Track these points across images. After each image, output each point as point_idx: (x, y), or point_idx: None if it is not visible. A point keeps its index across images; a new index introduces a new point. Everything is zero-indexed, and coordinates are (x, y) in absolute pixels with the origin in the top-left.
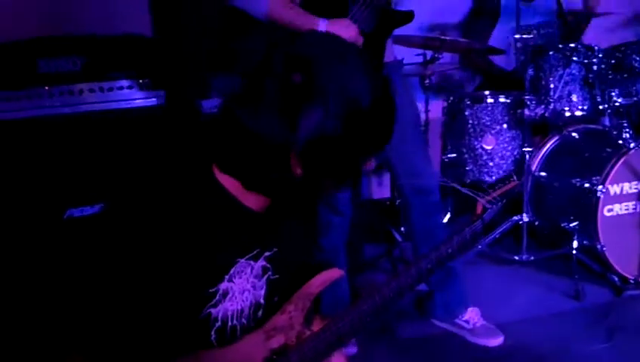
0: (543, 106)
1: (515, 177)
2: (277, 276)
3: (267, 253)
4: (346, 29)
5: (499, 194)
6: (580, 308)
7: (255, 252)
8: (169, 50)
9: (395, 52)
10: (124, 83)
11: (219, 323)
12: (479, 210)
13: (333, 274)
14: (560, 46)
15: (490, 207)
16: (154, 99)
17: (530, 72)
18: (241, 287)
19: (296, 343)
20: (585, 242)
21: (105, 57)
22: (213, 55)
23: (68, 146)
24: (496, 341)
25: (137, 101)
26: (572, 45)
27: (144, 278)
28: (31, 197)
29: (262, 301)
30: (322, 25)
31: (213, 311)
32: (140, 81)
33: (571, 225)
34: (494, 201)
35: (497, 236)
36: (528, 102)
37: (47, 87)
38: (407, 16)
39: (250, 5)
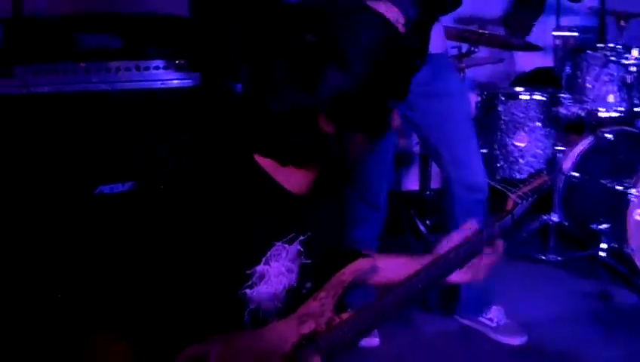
0: (578, 105)
1: (545, 173)
2: (309, 260)
3: (302, 237)
4: (388, 11)
5: (529, 190)
6: (606, 311)
7: (291, 236)
8: (206, 32)
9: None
10: (161, 63)
11: (253, 305)
12: (509, 205)
13: (366, 263)
14: (598, 45)
15: (521, 203)
16: (189, 80)
17: (568, 70)
18: (277, 271)
19: (325, 329)
20: (613, 245)
21: (142, 36)
22: (249, 38)
23: (101, 123)
24: (520, 339)
25: (173, 82)
26: (611, 45)
27: (181, 257)
28: (62, 172)
29: (295, 285)
30: None
31: (248, 292)
32: (177, 61)
33: (600, 227)
34: (524, 197)
35: (525, 235)
36: (564, 101)
37: (83, 63)
38: (454, 3)
39: None
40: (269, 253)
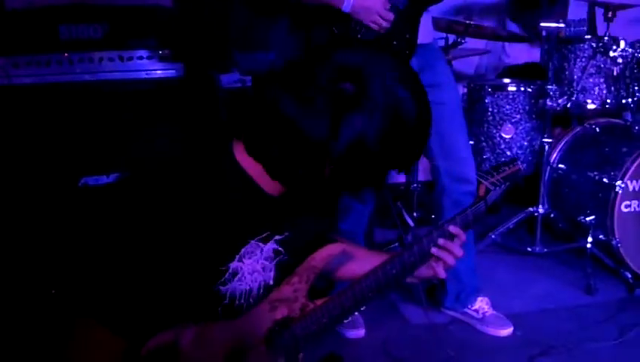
0: (565, 97)
1: (518, 162)
2: (289, 259)
3: (278, 237)
4: (373, 2)
5: (502, 177)
6: (592, 303)
7: (265, 234)
8: (189, 22)
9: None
10: (144, 53)
11: (226, 300)
12: (482, 191)
13: (336, 248)
14: (586, 37)
15: (493, 189)
16: (173, 70)
17: (555, 62)
18: (251, 268)
19: (300, 315)
20: (600, 237)
21: (126, 26)
22: (234, 30)
23: (85, 113)
24: (506, 331)
25: (156, 72)
26: (598, 37)
27: (155, 249)
28: (46, 163)
29: (271, 283)
30: None
31: (222, 288)
32: (160, 52)
33: (587, 219)
34: (497, 184)
35: (511, 227)
36: (551, 93)
37: (66, 54)
38: None
39: None
40: (242, 250)
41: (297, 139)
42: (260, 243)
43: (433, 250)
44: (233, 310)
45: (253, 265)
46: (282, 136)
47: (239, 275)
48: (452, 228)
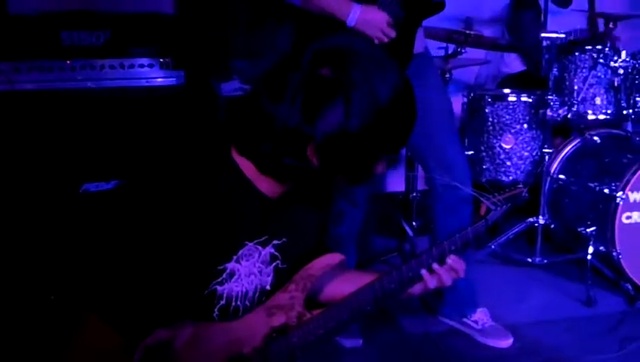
0: (565, 108)
1: (521, 185)
2: (285, 266)
3: (276, 241)
4: (379, 15)
5: (504, 198)
6: (592, 315)
7: (264, 238)
8: (191, 31)
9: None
10: (145, 61)
11: (223, 301)
12: (483, 210)
13: (334, 258)
14: (587, 47)
15: (494, 209)
16: (173, 78)
17: (555, 72)
18: (248, 270)
19: (297, 324)
20: (600, 248)
21: (127, 34)
22: (237, 39)
23: (87, 120)
24: (505, 342)
25: (157, 80)
26: (599, 47)
27: (155, 248)
28: (47, 169)
29: (268, 287)
30: (356, 10)
31: (218, 288)
32: (161, 59)
33: (588, 230)
34: (499, 204)
35: (511, 237)
36: (551, 103)
37: (68, 61)
38: (438, 6)
39: None
40: (240, 251)
41: (277, 128)
42: (259, 247)
43: (423, 271)
44: (229, 311)
45: (250, 268)
46: (265, 130)
47: (236, 276)
48: (451, 261)
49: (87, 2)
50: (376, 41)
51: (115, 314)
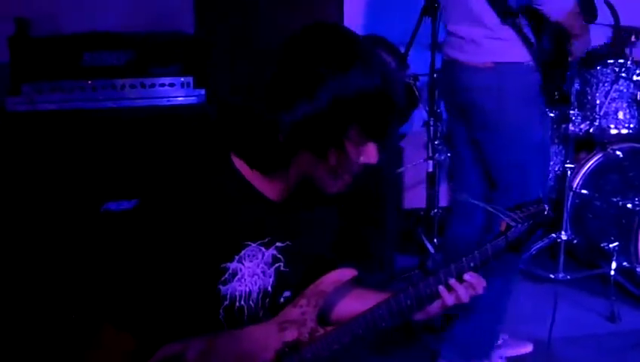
0: (588, 122)
1: (545, 204)
2: (288, 269)
3: (279, 244)
4: None
5: (525, 216)
6: (616, 331)
7: (266, 239)
8: (212, 50)
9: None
10: (166, 80)
11: (227, 301)
12: (503, 227)
13: (346, 273)
14: (609, 61)
15: (515, 226)
16: (195, 97)
17: (577, 86)
18: (251, 271)
19: (309, 339)
20: (624, 264)
21: (148, 53)
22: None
23: (108, 140)
24: (526, 348)
25: (178, 99)
26: (621, 61)
27: (164, 253)
28: (69, 188)
29: (270, 289)
30: None
31: (222, 288)
32: (182, 79)
33: (611, 245)
34: (520, 221)
35: (534, 253)
36: (573, 118)
37: (89, 81)
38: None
39: (551, 5)
40: (242, 252)
41: (261, 123)
42: (262, 248)
43: (440, 288)
44: (234, 312)
45: (253, 268)
46: (252, 129)
47: (238, 276)
48: (469, 277)
49: (107, 23)
50: None
51: (131, 321)
